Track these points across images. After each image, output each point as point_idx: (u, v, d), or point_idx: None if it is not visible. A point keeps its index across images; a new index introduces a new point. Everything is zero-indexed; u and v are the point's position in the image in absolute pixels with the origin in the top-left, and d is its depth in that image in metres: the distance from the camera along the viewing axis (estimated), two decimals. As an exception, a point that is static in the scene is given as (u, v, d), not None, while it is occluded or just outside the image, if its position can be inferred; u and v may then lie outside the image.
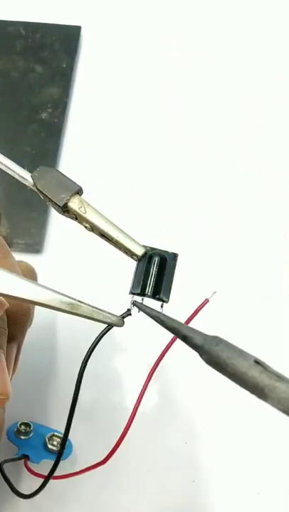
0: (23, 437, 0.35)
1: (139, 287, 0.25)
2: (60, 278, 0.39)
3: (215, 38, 0.55)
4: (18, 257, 0.42)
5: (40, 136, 0.49)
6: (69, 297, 0.23)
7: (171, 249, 0.26)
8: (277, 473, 0.37)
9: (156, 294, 0.25)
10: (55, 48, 0.53)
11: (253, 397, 0.17)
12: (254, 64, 0.53)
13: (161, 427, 0.37)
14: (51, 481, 0.28)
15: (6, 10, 0.55)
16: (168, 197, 0.46)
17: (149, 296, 0.25)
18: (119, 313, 0.25)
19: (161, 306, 0.25)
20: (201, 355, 0.19)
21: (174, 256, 0.25)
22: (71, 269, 0.43)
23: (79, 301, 0.23)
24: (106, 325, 0.24)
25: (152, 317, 0.23)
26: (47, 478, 0.28)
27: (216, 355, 0.18)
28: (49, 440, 0.34)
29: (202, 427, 0.38)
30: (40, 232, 0.44)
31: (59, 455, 0.27)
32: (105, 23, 0.55)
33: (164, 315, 0.23)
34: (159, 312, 0.23)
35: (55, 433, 0.35)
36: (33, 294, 0.23)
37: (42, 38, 0.54)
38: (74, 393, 0.25)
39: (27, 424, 0.35)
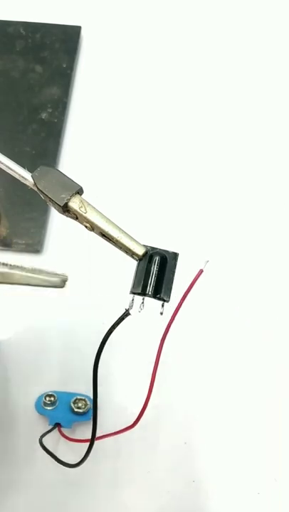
0: (50, 408, 0.37)
1: (139, 287, 0.25)
2: (60, 278, 0.39)
3: (215, 38, 0.55)
4: (19, 257, 0.42)
5: (40, 136, 0.49)
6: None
7: (171, 249, 0.26)
8: (277, 473, 0.37)
9: (157, 294, 0.25)
10: (55, 47, 0.53)
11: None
12: (254, 63, 0.53)
13: (161, 427, 0.37)
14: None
15: (6, 10, 0.55)
16: (169, 196, 0.46)
17: (149, 296, 0.25)
18: (120, 314, 0.25)
19: (162, 306, 0.25)
20: None
21: (175, 255, 0.25)
22: (71, 269, 0.43)
23: (15, 266, 0.22)
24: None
25: None
26: (91, 442, 0.29)
27: None
28: (74, 404, 0.37)
29: (202, 427, 0.38)
30: (40, 232, 0.44)
31: (94, 418, 0.28)
32: (105, 23, 0.55)
33: None
34: None
35: (78, 396, 0.37)
36: None
37: (42, 38, 0.54)
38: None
39: (51, 395, 0.37)
